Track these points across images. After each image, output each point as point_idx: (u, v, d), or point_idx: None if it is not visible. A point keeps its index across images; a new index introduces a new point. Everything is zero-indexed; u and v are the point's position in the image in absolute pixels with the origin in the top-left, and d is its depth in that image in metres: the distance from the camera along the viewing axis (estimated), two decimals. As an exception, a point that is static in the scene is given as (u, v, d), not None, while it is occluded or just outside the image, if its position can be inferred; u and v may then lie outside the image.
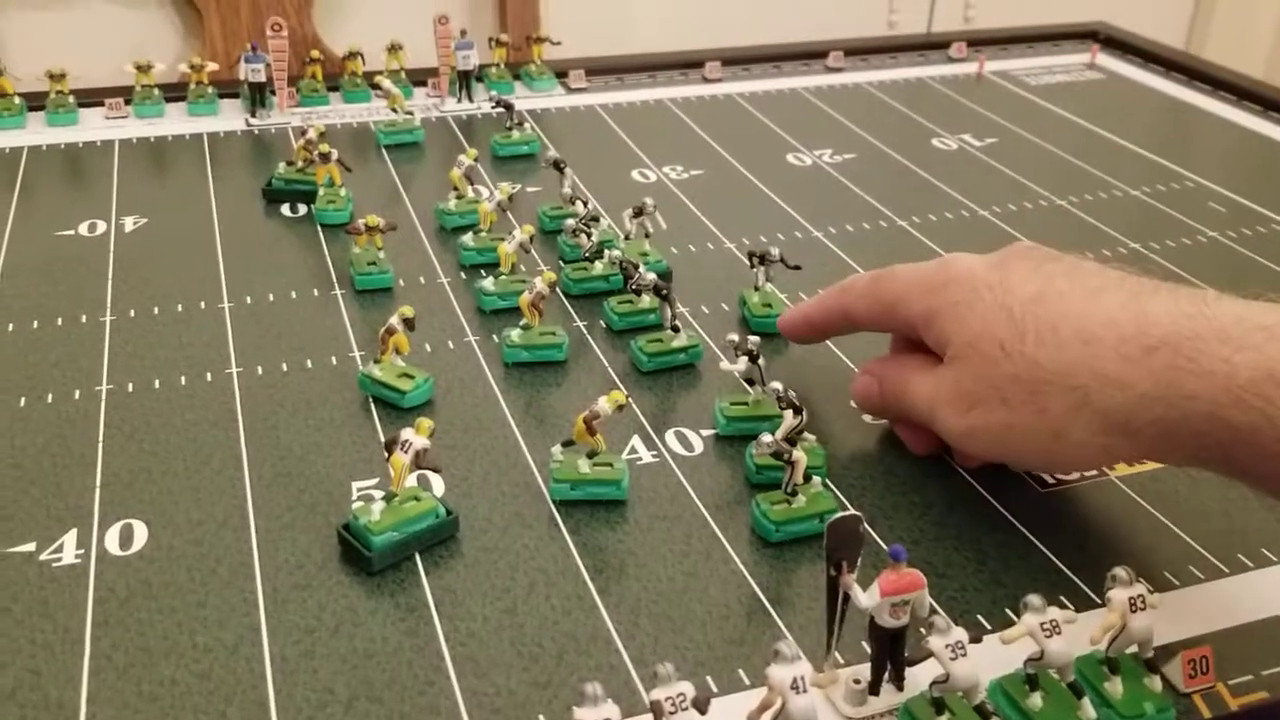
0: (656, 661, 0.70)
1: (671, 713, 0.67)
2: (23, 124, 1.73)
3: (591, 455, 0.98)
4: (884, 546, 0.92)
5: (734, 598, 0.88)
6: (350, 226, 1.34)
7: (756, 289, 1.28)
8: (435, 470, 0.96)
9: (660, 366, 1.17)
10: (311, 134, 1.53)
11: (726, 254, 1.43)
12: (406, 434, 0.93)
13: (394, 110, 1.73)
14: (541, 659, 0.82)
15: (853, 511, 0.74)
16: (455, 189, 1.47)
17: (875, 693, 0.77)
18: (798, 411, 0.97)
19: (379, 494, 0.96)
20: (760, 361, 1.06)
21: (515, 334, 1.18)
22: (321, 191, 1.49)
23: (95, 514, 0.96)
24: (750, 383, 1.09)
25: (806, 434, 1.00)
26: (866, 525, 0.78)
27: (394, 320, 1.12)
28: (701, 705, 0.68)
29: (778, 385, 0.99)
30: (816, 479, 0.97)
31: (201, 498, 0.98)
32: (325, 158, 1.49)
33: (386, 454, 0.92)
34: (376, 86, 1.83)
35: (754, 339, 1.06)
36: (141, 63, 1.77)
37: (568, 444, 0.99)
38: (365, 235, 1.32)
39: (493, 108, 1.78)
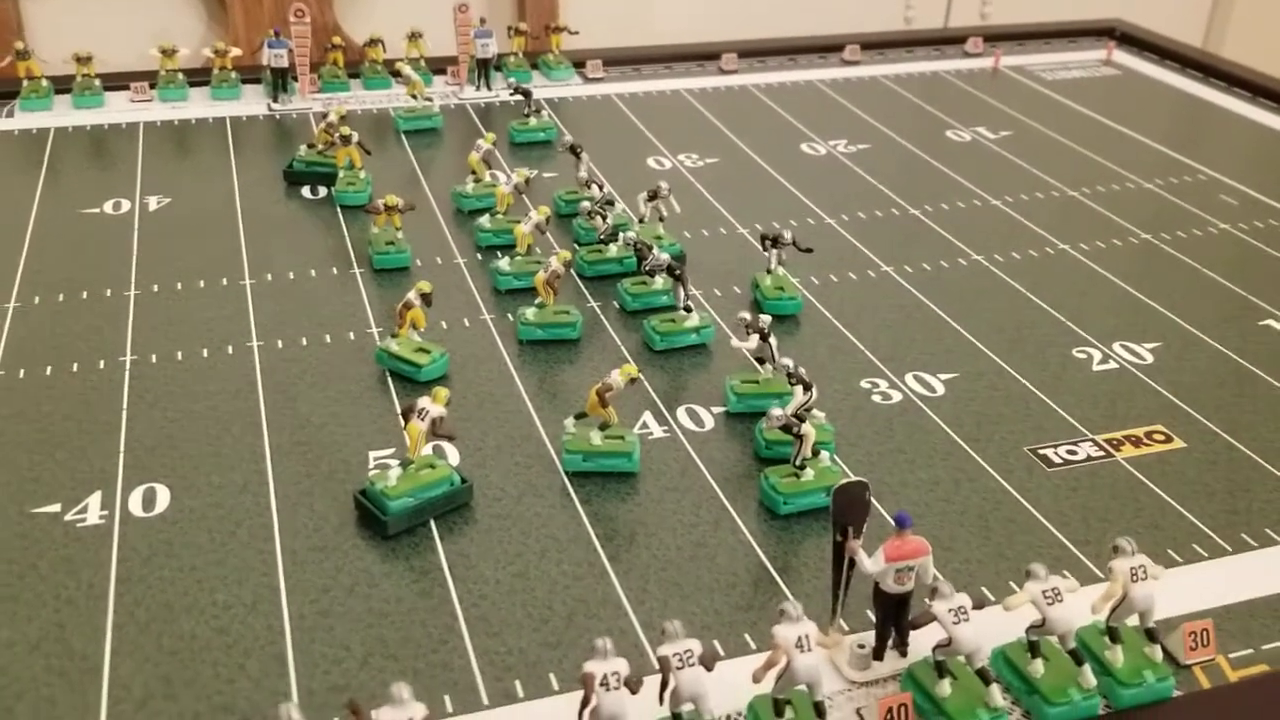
0: (664, 619, 0.71)
1: (679, 668, 0.69)
2: (50, 106, 1.76)
3: (604, 428, 1.00)
4: (890, 520, 0.94)
5: (741, 566, 0.90)
6: (369, 206, 1.36)
7: (769, 271, 1.30)
8: (450, 438, 0.98)
9: (672, 346, 1.19)
10: (333, 117, 1.55)
11: (739, 239, 1.44)
12: (423, 402, 0.95)
13: (413, 97, 1.76)
14: (552, 621, 0.84)
15: (859, 478, 0.76)
16: (473, 173, 1.49)
17: (879, 657, 0.78)
18: (807, 388, 0.99)
19: (395, 462, 0.98)
20: (771, 340, 1.07)
21: (530, 312, 1.20)
22: (341, 174, 1.51)
23: (119, 477, 0.98)
24: (760, 361, 1.11)
25: (816, 410, 1.01)
26: (872, 496, 0.79)
27: (411, 295, 1.14)
28: (708, 662, 0.70)
29: (788, 362, 1.01)
30: (825, 454, 0.98)
31: (222, 464, 1.00)
32: (346, 140, 1.51)
33: (403, 421, 0.94)
34: (397, 73, 1.85)
35: (765, 318, 1.08)
36: (166, 47, 1.80)
37: (580, 416, 1.01)
38: (384, 215, 1.34)
39: (511, 95, 1.80)
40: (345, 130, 1.52)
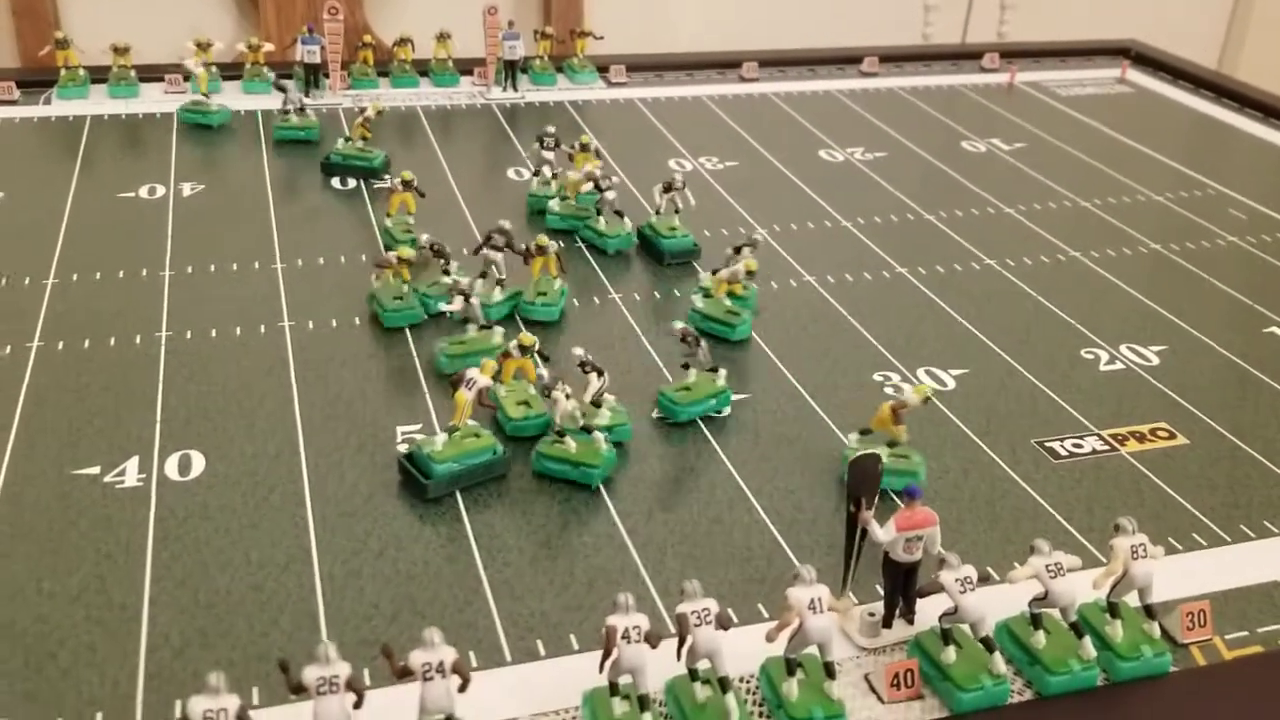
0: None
1: (696, 625, 0.72)
2: (86, 94, 1.80)
3: (891, 445, 1.00)
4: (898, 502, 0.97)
5: (755, 542, 0.93)
6: (380, 259, 1.25)
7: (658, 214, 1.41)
8: (492, 407, 1.01)
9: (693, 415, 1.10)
10: (370, 112, 1.59)
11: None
12: (471, 373, 0.98)
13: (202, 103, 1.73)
14: (573, 587, 0.87)
15: (872, 451, 0.79)
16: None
17: (888, 625, 0.81)
18: (600, 374, 1.03)
19: (419, 436, 1.02)
20: (702, 344, 1.09)
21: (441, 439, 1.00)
22: (390, 223, 1.40)
23: (156, 444, 1.02)
24: (687, 367, 1.10)
25: (608, 395, 1.04)
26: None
27: (511, 347, 1.07)
28: (724, 622, 0.73)
29: (579, 351, 1.04)
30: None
31: (255, 434, 1.03)
32: (408, 185, 1.40)
33: (452, 389, 0.98)
34: (425, 74, 1.89)
35: (685, 326, 1.10)
36: (202, 40, 1.84)
37: (865, 432, 1.01)
38: (394, 268, 1.24)
39: (284, 100, 1.72)
40: (407, 175, 1.40)
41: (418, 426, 1.06)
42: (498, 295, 1.23)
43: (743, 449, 1.05)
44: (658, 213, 1.43)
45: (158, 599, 0.84)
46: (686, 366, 1.10)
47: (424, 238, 1.25)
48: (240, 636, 0.81)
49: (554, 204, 1.46)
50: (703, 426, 1.08)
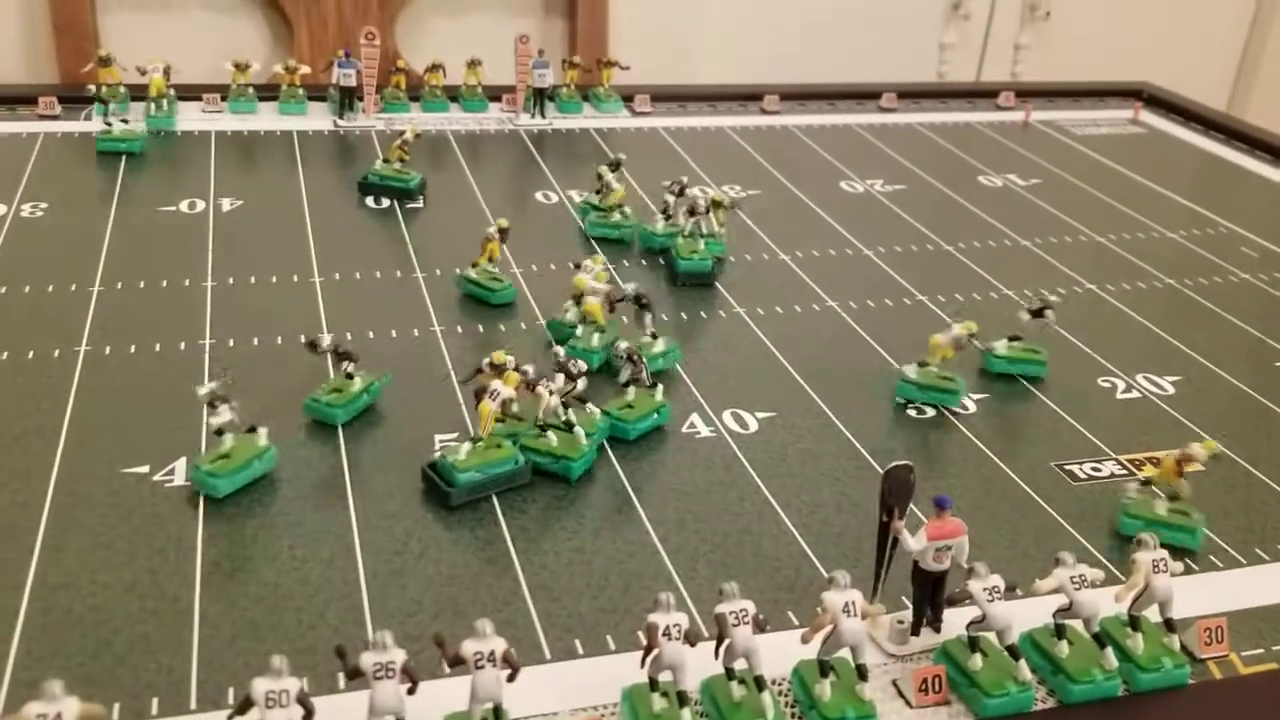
0: (714, 596, 0.77)
1: (735, 625, 0.75)
2: (126, 110, 1.85)
3: (1173, 498, 1.00)
4: (923, 519, 1.00)
5: (784, 553, 0.96)
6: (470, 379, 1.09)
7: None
8: (519, 419, 1.04)
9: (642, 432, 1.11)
10: (408, 135, 1.63)
11: (780, 264, 1.51)
12: (495, 385, 1.02)
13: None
14: (608, 590, 0.90)
15: (905, 461, 0.82)
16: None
17: (916, 633, 0.84)
18: (570, 377, 1.06)
19: (464, 442, 1.05)
20: (645, 363, 1.12)
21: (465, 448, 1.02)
22: (474, 273, 1.37)
23: (203, 444, 1.05)
24: (628, 385, 1.12)
25: (585, 399, 1.07)
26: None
27: (491, 230, 1.20)
28: (761, 623, 0.76)
29: (559, 350, 1.09)
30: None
31: (299, 442, 1.07)
32: (503, 233, 1.36)
33: (476, 400, 1.01)
34: (455, 99, 1.94)
35: (624, 344, 1.12)
36: (240, 61, 1.89)
37: (1146, 483, 1.02)
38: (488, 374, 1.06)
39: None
40: (502, 223, 1.38)
41: (453, 435, 1.09)
42: (660, 346, 1.23)
43: (770, 464, 1.08)
44: (682, 234, 1.47)
45: (208, 591, 0.87)
46: (628, 385, 1.12)
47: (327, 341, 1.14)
48: (289, 629, 0.84)
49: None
50: (730, 442, 1.11)
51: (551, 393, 1.03)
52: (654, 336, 1.23)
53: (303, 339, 1.16)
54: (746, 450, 1.10)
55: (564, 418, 1.05)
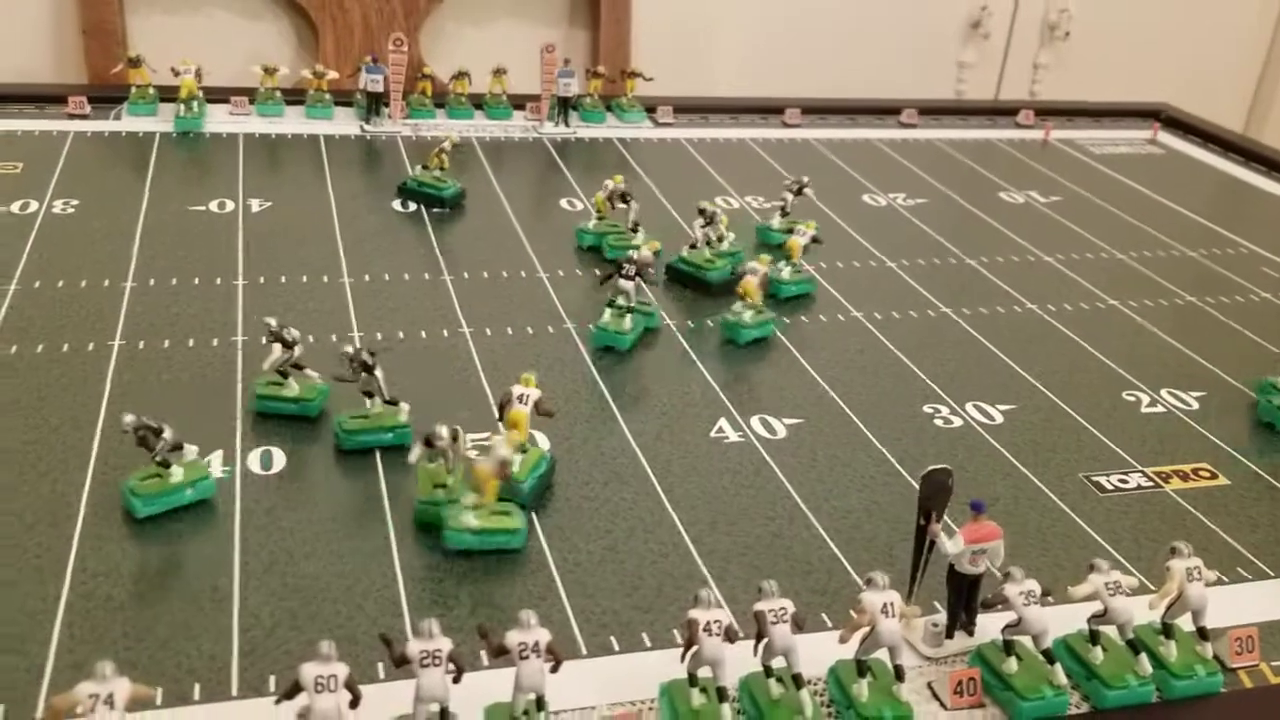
0: (747, 597, 0.78)
1: (773, 623, 0.76)
2: (155, 111, 1.86)
3: None
4: (954, 529, 1.00)
5: (815, 556, 0.97)
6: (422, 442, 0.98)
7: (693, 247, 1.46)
8: (550, 414, 1.04)
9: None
10: (447, 144, 1.65)
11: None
12: (517, 390, 1.02)
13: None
14: (642, 589, 0.91)
15: (943, 465, 0.83)
16: (599, 211, 1.55)
17: (950, 636, 0.85)
18: (287, 346, 1.08)
19: (486, 443, 1.05)
20: (378, 373, 1.08)
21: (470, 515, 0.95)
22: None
23: (238, 439, 1.06)
24: (369, 395, 1.09)
25: (304, 365, 1.09)
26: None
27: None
28: (799, 622, 0.76)
29: (270, 320, 1.09)
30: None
31: (328, 436, 1.07)
32: (646, 258, 1.33)
33: (499, 413, 1.00)
34: (480, 106, 1.96)
35: (366, 353, 1.07)
36: (269, 66, 1.91)
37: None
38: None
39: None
40: (650, 244, 1.43)
41: (484, 435, 1.09)
42: (627, 324, 1.27)
43: (800, 469, 1.09)
44: (693, 246, 1.48)
45: (248, 582, 0.88)
46: (369, 395, 1.07)
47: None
48: (328, 619, 0.85)
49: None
50: (760, 447, 1.12)
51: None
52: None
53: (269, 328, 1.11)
54: (775, 455, 1.11)
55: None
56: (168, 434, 0.96)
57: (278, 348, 1.10)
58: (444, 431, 0.95)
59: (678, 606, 0.88)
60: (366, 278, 1.41)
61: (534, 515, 0.99)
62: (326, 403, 1.11)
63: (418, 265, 1.45)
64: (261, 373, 1.11)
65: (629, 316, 1.28)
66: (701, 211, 1.49)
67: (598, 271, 1.43)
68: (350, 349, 1.08)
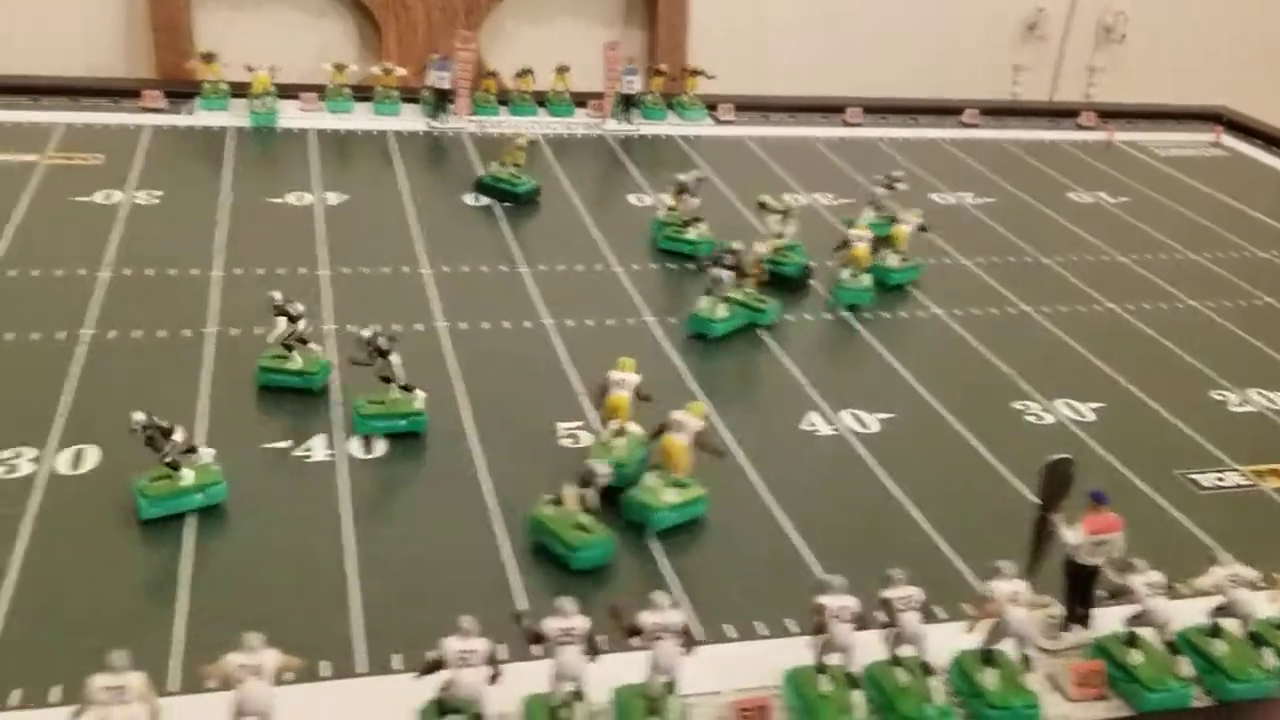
0: (860, 586, 0.78)
1: (901, 610, 0.76)
2: (227, 106, 1.88)
3: None
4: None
5: (919, 548, 0.97)
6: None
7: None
8: (648, 399, 1.03)
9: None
10: (522, 141, 1.65)
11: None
12: (615, 375, 1.02)
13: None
14: (749, 576, 0.91)
15: (1065, 455, 0.83)
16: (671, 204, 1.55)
17: (1067, 628, 0.84)
18: (292, 319, 1.09)
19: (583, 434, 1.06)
20: (393, 358, 1.07)
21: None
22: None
23: (339, 424, 1.06)
24: (387, 380, 1.08)
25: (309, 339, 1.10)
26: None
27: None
28: (927, 610, 0.76)
29: (275, 294, 1.10)
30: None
31: (428, 423, 1.08)
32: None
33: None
34: (543, 103, 1.97)
35: (385, 338, 1.06)
36: (339, 63, 1.92)
37: None
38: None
39: None
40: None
41: (578, 423, 1.10)
42: (722, 311, 1.28)
43: (896, 463, 1.08)
44: (779, 237, 1.48)
45: (363, 563, 0.89)
46: (387, 380, 1.06)
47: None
48: (441, 600, 0.85)
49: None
50: (854, 441, 1.12)
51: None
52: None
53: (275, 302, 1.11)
54: (870, 449, 1.11)
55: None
56: (178, 435, 0.92)
57: (282, 321, 1.11)
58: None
59: (790, 593, 0.88)
60: (445, 269, 1.41)
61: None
62: (329, 378, 1.12)
63: (495, 258, 1.46)
64: (268, 346, 1.12)
65: (723, 305, 1.28)
66: (763, 205, 1.49)
67: (692, 265, 1.44)
68: (368, 332, 1.06)
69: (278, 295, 1.12)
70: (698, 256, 1.44)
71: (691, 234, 1.50)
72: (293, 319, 1.11)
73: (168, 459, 0.92)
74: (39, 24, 2.13)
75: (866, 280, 1.40)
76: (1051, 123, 2.29)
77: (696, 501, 0.97)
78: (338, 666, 0.78)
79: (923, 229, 1.50)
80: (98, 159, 1.64)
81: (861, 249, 1.39)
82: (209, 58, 1.88)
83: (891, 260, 1.46)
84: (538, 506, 0.92)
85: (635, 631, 0.72)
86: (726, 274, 1.29)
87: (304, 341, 1.12)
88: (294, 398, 1.10)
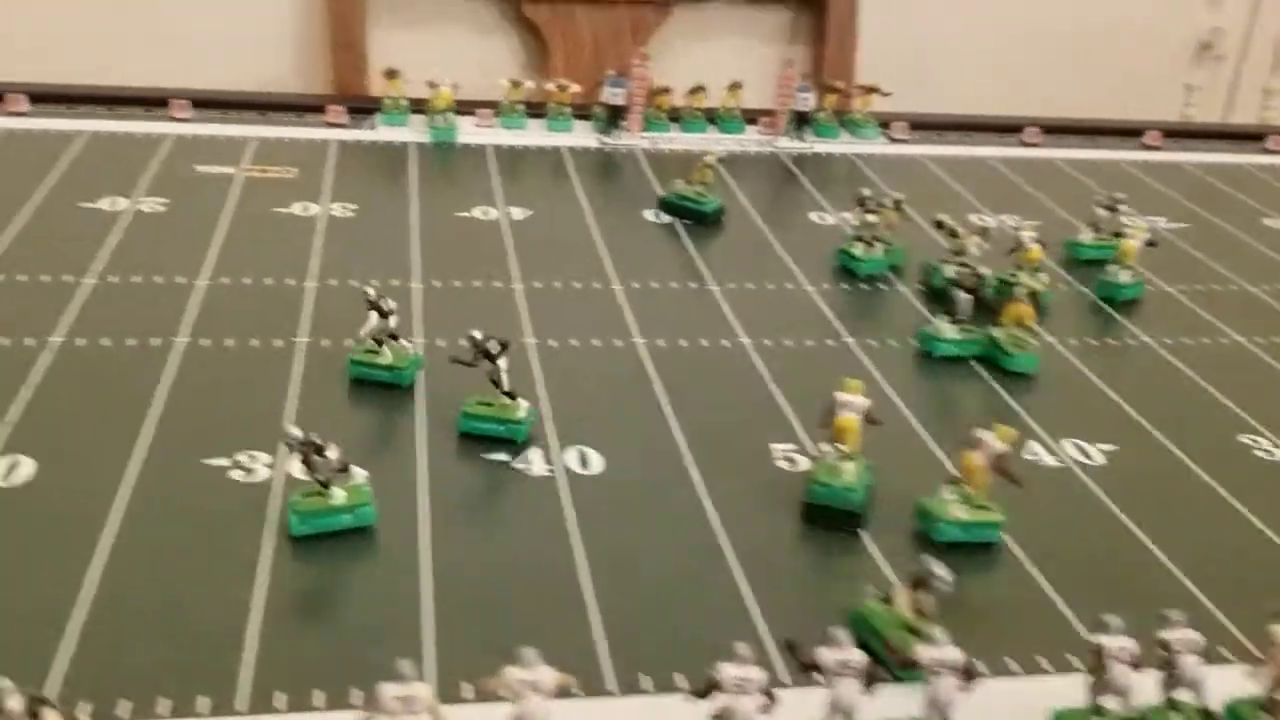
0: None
1: (1179, 652, 0.72)
2: (406, 122, 1.92)
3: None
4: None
5: (1163, 588, 0.92)
6: None
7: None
8: (878, 423, 1.01)
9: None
10: (710, 160, 1.65)
11: (1077, 297, 1.47)
12: (843, 397, 1.00)
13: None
14: (996, 612, 0.88)
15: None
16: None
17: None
18: (383, 314, 1.09)
19: (798, 455, 1.04)
20: (501, 362, 1.05)
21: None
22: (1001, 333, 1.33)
23: (552, 436, 1.07)
24: (496, 383, 1.06)
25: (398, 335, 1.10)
26: None
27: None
28: (1206, 654, 0.72)
29: (369, 289, 1.10)
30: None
31: (642, 438, 1.08)
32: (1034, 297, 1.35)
33: (823, 423, 0.98)
34: (713, 120, 1.97)
35: (496, 342, 1.05)
36: (516, 80, 1.95)
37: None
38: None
39: None
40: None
41: (791, 446, 1.08)
42: (951, 333, 1.27)
43: (1126, 498, 1.04)
44: (963, 264, 1.43)
45: (596, 581, 0.88)
46: (496, 384, 1.05)
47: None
48: (673, 620, 0.84)
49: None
50: (1080, 473, 1.07)
51: None
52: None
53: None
54: (1099, 482, 1.06)
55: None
56: (332, 453, 0.91)
57: (374, 315, 1.12)
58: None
59: (1025, 636, 0.85)
60: (635, 285, 1.41)
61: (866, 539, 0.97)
62: (418, 373, 1.14)
63: (683, 275, 1.45)
64: (359, 341, 1.13)
65: (956, 328, 1.26)
66: (960, 227, 1.45)
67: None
68: (478, 333, 1.05)
69: (371, 290, 1.13)
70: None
71: (877, 251, 1.48)
72: (384, 314, 1.12)
73: (320, 477, 0.91)
74: (214, 40, 2.21)
75: (1126, 276, 1.43)
76: (1235, 145, 2.19)
77: (989, 526, 0.94)
78: (586, 684, 0.78)
79: (1151, 244, 1.46)
80: (291, 172, 1.69)
81: (1035, 250, 1.40)
82: (392, 74, 1.93)
83: (1123, 276, 1.43)
84: (865, 600, 0.84)
85: (813, 666, 0.69)
86: (965, 296, 1.26)
87: (394, 337, 1.13)
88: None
